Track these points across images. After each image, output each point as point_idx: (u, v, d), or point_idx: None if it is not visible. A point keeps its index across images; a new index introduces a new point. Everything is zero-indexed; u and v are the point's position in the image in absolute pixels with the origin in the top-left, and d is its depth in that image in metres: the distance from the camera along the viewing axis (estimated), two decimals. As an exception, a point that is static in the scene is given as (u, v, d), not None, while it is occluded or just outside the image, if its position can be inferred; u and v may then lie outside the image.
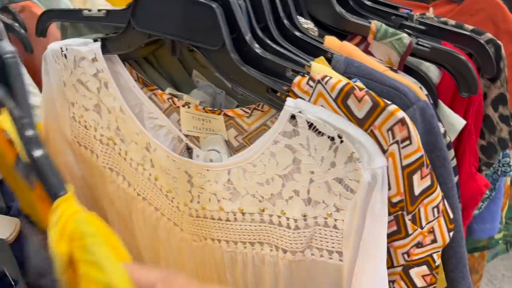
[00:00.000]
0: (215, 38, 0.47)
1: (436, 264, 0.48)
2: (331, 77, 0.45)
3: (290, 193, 0.51)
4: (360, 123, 0.45)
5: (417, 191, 0.45)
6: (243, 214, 0.55)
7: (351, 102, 0.44)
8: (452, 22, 0.61)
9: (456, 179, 0.59)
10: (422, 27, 0.60)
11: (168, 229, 0.64)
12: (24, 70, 0.79)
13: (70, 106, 0.65)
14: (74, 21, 0.68)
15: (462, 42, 0.59)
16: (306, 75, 0.46)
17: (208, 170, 0.55)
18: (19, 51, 0.77)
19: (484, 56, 0.58)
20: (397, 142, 0.43)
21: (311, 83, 0.46)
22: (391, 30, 0.56)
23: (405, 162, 0.44)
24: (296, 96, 0.47)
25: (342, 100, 0.45)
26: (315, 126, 0.45)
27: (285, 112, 0.46)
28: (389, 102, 0.43)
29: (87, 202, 0.73)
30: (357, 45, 0.60)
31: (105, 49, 0.57)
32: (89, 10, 0.60)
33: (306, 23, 0.57)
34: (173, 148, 0.59)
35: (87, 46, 0.58)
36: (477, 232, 0.77)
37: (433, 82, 0.58)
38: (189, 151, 0.58)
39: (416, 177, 0.44)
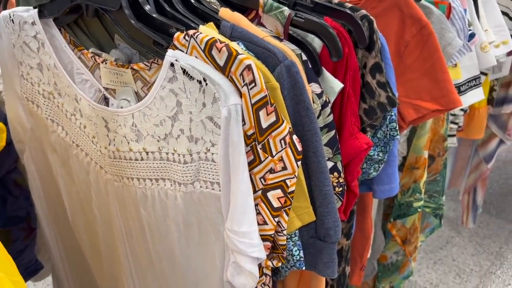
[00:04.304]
0: (115, 0, 0.59)
1: (290, 190, 0.58)
2: (200, 33, 0.56)
3: (177, 132, 0.62)
4: (222, 70, 0.55)
5: (264, 124, 0.55)
6: (147, 153, 0.66)
7: (214, 52, 0.55)
8: (336, 1, 0.71)
9: (332, 133, 0.69)
10: (311, 5, 0.71)
11: (96, 172, 0.75)
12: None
13: (19, 65, 0.77)
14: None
15: (341, 17, 0.69)
16: (183, 31, 0.57)
17: (118, 115, 0.66)
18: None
19: (356, 28, 0.68)
20: (246, 84, 0.54)
21: (186, 37, 0.57)
22: (275, 4, 0.67)
23: (253, 100, 0.54)
24: (176, 48, 0.58)
25: (208, 51, 0.56)
26: (187, 72, 0.56)
27: (166, 60, 0.57)
28: (240, 52, 0.54)
29: (36, 152, 0.85)
30: (253, 18, 0.72)
31: (41, 14, 0.69)
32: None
33: (208, -3, 0.68)
34: (95, 99, 0.70)
35: (28, 12, 0.70)
36: (377, 193, 0.87)
37: (316, 51, 0.69)
38: (106, 101, 0.69)
39: (262, 113, 0.55)
